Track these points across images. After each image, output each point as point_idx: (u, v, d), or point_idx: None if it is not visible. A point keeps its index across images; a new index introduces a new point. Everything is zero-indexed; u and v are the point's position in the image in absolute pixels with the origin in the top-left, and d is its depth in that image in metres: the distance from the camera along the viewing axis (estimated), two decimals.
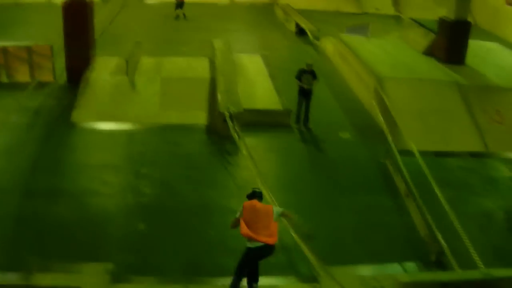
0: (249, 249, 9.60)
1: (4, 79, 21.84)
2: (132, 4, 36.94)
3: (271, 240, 9.54)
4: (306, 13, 32.76)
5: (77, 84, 20.00)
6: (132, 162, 15.48)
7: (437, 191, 13.49)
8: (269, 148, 16.68)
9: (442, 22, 23.45)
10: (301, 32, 30.05)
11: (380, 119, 18.09)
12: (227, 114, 16.20)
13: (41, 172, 15.13)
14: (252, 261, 9.85)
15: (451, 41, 22.91)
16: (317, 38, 28.26)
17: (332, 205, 13.89)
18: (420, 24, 26.48)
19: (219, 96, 17.27)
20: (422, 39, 24.87)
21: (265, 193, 12.66)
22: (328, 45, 26.74)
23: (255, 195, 10.01)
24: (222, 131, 16.54)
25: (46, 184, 14.49)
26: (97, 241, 12.09)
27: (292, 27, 31.06)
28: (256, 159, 14.68)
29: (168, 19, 32.55)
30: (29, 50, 21.79)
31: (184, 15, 32.38)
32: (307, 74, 17.67)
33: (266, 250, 9.60)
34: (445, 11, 23.68)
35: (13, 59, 21.86)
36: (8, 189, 14.15)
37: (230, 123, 15.91)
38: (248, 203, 9.77)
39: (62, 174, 15.01)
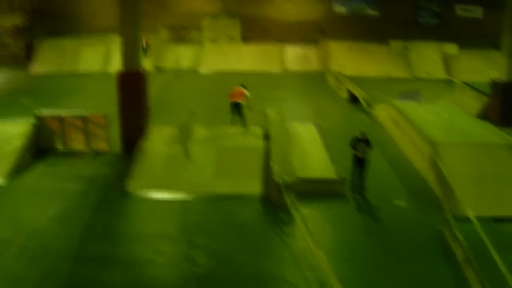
0: None
1: (60, 147, 22.18)
2: (187, 74, 37.47)
3: None
4: (357, 80, 32.69)
5: (131, 153, 20.22)
6: (186, 232, 15.36)
7: (496, 257, 13.03)
8: (324, 218, 16.38)
9: (495, 84, 23.15)
10: (353, 99, 29.95)
11: (435, 185, 17.70)
12: (281, 183, 16.03)
13: (95, 239, 15.14)
14: None
15: (505, 103, 22.54)
16: (370, 105, 28.11)
17: (389, 273, 13.48)
18: (473, 87, 26.16)
19: (273, 165, 17.14)
20: (475, 103, 24.62)
21: (320, 262, 12.42)
22: (381, 112, 26.57)
23: None
24: (276, 200, 16.36)
25: (99, 252, 14.47)
26: None
27: (344, 94, 31.02)
28: (312, 229, 14.39)
29: (222, 89, 32.74)
30: (84, 119, 22.16)
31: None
32: (361, 143, 17.47)
33: None
34: (497, 73, 23.37)
35: (69, 127, 22.25)
36: (61, 255, 14.20)
37: (284, 193, 15.72)
38: None
39: (115, 242, 14.99)
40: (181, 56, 39.24)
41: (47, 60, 41.49)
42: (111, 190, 18.42)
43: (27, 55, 43.03)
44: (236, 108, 23.35)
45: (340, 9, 41.94)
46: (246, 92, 23.72)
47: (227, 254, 14.14)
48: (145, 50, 38.45)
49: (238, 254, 14.02)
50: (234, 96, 23.70)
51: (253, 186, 17.52)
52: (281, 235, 15.08)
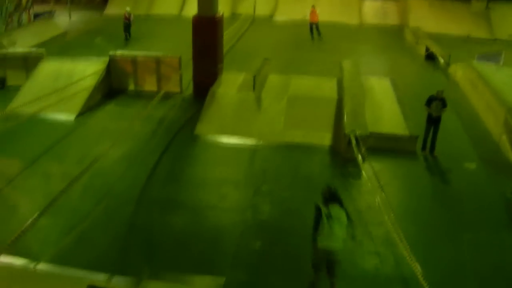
0: None
1: (132, 88, 22.47)
2: (261, 21, 37.23)
3: None
4: (436, 37, 31.86)
5: (203, 98, 20.18)
6: (252, 179, 15.34)
7: None
8: (392, 174, 16.07)
9: None
10: (430, 57, 29.23)
11: (508, 151, 17.26)
12: (352, 136, 15.83)
13: (160, 181, 15.31)
14: None
15: None
16: (447, 64, 27.41)
17: (454, 240, 13.02)
18: None
19: (345, 118, 16.93)
20: None
21: (386, 219, 12.29)
22: (458, 72, 25.83)
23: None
24: (346, 153, 16.17)
25: (163, 194, 14.65)
26: (210, 255, 12.00)
27: (422, 51, 30.29)
28: (379, 185, 14.23)
29: (297, 38, 32.47)
30: (157, 60, 22.35)
31: (318, 32, 32.25)
32: (437, 101, 16.97)
33: None
34: None
35: (142, 68, 22.51)
36: (125, 195, 14.48)
37: (355, 146, 15.56)
38: None
39: (180, 185, 15.12)
40: (257, 3, 38.91)
41: (123, 2, 41.85)
42: (180, 133, 18.57)
43: None
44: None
45: None
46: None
47: (291, 204, 14.06)
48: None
49: (303, 204, 13.87)
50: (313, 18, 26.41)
51: (323, 137, 17.35)
52: (348, 188, 14.90)
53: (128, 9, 32.63)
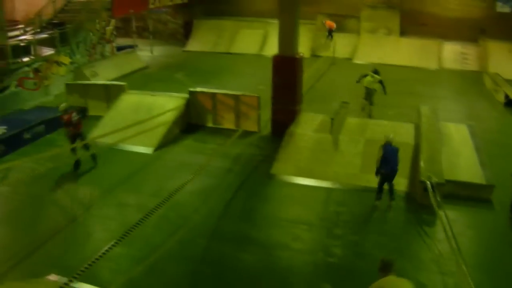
0: None
1: (210, 124, 23.06)
2: (341, 63, 37.53)
3: None
4: None
5: (280, 137, 20.57)
6: (326, 221, 15.52)
7: None
8: (467, 223, 15.89)
9: None
10: (510, 103, 28.85)
11: None
12: (428, 183, 15.88)
13: (234, 218, 15.69)
14: None
15: None
16: None
17: None
18: None
19: (421, 164, 17.00)
20: None
21: (458, 269, 12.26)
22: None
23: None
24: (421, 199, 16.20)
25: (236, 231, 14.99)
26: None
27: (501, 98, 29.90)
28: (454, 233, 14.18)
29: None
30: (236, 98, 22.86)
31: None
32: None
33: None
34: None
35: (221, 106, 23.10)
36: (199, 229, 14.90)
37: (430, 193, 15.58)
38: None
39: (254, 223, 15.44)
40: (337, 45, 39.29)
41: (204, 39, 43.06)
42: (256, 171, 18.98)
43: (185, 32, 44.85)
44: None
45: (503, 8, 40.16)
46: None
47: (363, 248, 14.16)
48: (330, 34, 39.69)
49: (375, 249, 14.00)
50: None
51: (399, 183, 17.41)
52: (422, 235, 14.90)
53: None
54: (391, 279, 9.08)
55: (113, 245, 12.40)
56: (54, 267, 12.59)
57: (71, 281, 9.86)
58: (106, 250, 12.21)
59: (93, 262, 11.21)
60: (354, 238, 14.67)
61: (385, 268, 9.26)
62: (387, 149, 16.05)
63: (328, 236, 14.71)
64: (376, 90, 24.44)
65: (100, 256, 11.81)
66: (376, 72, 25.00)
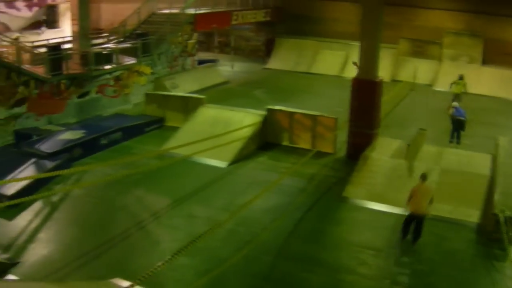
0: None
1: (286, 143, 23.15)
2: (421, 89, 37.06)
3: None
4: None
5: (355, 160, 20.48)
6: (394, 248, 15.37)
7: None
8: None
9: None
10: None
11: None
12: (501, 216, 15.52)
13: (302, 238, 15.72)
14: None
15: None
16: None
17: None
18: None
19: (495, 196, 16.64)
20: None
21: None
22: None
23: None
24: (493, 233, 15.84)
25: (303, 250, 15.02)
26: None
27: None
28: None
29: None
30: (314, 119, 22.89)
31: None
32: None
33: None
34: None
35: (298, 125, 23.18)
36: (266, 246, 14.98)
37: (503, 226, 15.22)
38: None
39: (321, 244, 15.45)
40: (417, 70, 38.85)
41: (285, 57, 43.29)
42: (328, 192, 18.95)
43: (267, 50, 45.20)
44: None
45: None
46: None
47: (431, 278, 13.94)
48: None
49: (443, 280, 13.79)
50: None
51: (471, 214, 17.08)
52: (491, 270, 14.57)
53: None
54: (424, 185, 15.63)
55: (179, 255, 12.54)
56: (119, 271, 12.85)
57: (133, 285, 9.99)
58: (171, 259, 12.36)
59: (157, 269, 11.35)
60: (422, 267, 14.46)
61: (423, 178, 15.79)
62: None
63: (395, 263, 14.57)
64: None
65: (164, 265, 11.95)
66: (461, 78, 28.22)
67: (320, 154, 21.89)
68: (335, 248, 15.46)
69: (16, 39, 28.19)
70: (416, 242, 15.38)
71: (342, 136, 22.57)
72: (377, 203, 18.04)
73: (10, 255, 14.09)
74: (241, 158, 21.53)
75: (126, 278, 11.23)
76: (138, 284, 10.19)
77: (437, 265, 14.62)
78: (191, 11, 35.84)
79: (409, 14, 41.82)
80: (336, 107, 25.70)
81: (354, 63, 21.98)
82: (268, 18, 44.09)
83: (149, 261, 13.45)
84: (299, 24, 44.63)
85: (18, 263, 13.77)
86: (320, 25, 44.18)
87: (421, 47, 40.70)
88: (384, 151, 21.07)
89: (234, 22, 39.97)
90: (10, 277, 13.01)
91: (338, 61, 41.51)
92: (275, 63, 43.45)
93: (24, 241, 15.02)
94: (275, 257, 14.53)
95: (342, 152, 22.51)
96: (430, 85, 38.40)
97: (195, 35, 37.05)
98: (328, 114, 23.18)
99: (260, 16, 43.60)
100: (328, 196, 18.70)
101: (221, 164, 20.94)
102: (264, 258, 14.41)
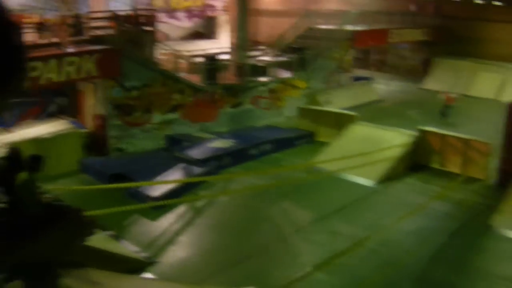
0: None
1: (435, 165, 22.65)
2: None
3: None
4: None
5: (506, 188, 19.75)
6: None
7: None
8: None
9: None
10: None
11: None
12: None
13: (443, 265, 15.27)
14: None
15: None
16: None
17: None
18: None
19: None
20: None
21: None
22: None
23: None
24: None
25: (444, 279, 14.55)
26: None
27: None
28: None
29: None
30: (466, 142, 22.25)
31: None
32: None
33: None
34: None
35: (449, 147, 22.61)
36: (407, 271, 14.75)
37: None
38: None
39: (462, 273, 14.97)
40: None
41: (441, 78, 42.33)
42: (475, 220, 18.34)
43: (423, 70, 44.45)
44: None
45: None
46: None
47: None
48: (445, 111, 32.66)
49: None
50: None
51: None
52: None
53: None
54: None
55: (317, 271, 12.58)
56: (254, 281, 13.05)
57: None
58: (310, 274, 12.41)
59: (293, 282, 11.42)
60: None
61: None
62: None
63: None
64: None
65: (301, 279, 12.02)
66: None
67: (470, 180, 21.31)
68: (475, 277, 14.91)
69: (174, 48, 29.25)
70: None
71: (493, 162, 21.81)
72: None
73: (149, 254, 14.65)
74: (389, 178, 21.26)
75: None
76: None
77: None
78: (349, 27, 35.86)
79: None
80: (490, 131, 24.87)
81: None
82: (426, 38, 43.40)
83: (286, 274, 13.57)
84: (458, 44, 43.59)
85: (155, 262, 14.29)
86: (479, 47, 42.99)
87: None
88: None
89: (391, 40, 39.65)
90: (147, 275, 13.52)
91: (495, 84, 40.21)
92: (431, 83, 42.57)
93: (165, 242, 15.60)
94: (414, 282, 14.25)
95: (493, 178, 21.74)
96: None
97: (352, 51, 37.05)
98: (482, 138, 22.45)
99: (418, 35, 43.04)
100: (475, 223, 18.10)
101: (368, 182, 20.80)
102: (403, 282, 14.18)
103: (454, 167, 22.53)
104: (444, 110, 31.66)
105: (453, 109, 31.02)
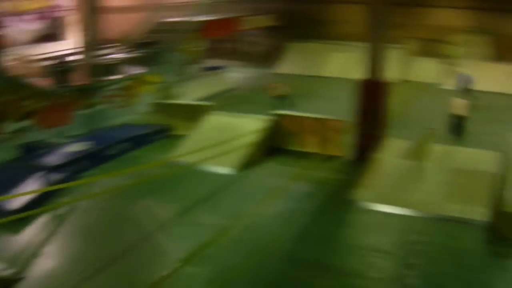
0: None
1: (293, 148, 23.05)
2: (429, 88, 36.87)
3: None
4: None
5: (363, 162, 20.40)
6: (402, 250, 15.15)
7: None
8: None
9: None
10: None
11: None
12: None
13: (310, 243, 15.52)
14: None
15: None
16: None
17: None
18: None
19: (505, 194, 16.47)
20: None
21: None
22: None
23: None
24: (503, 231, 15.67)
25: (312, 257, 14.80)
26: None
27: None
28: None
29: None
30: (322, 122, 22.75)
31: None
32: None
33: None
34: None
35: (306, 129, 23.04)
36: (274, 253, 14.80)
37: None
38: None
39: (330, 250, 15.27)
40: (426, 70, 38.66)
41: (293, 61, 43.26)
42: (336, 196, 18.77)
43: (276, 55, 45.18)
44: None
45: None
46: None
47: (440, 279, 13.74)
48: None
49: (453, 281, 13.64)
50: None
51: (481, 213, 16.90)
52: (502, 268, 14.41)
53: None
54: None
55: (185, 264, 12.49)
56: (125, 283, 12.84)
57: None
58: (178, 269, 12.31)
59: (162, 279, 11.31)
60: (432, 268, 14.25)
61: None
62: None
63: (403, 265, 14.36)
64: None
65: (171, 274, 11.92)
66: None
67: (328, 158, 21.84)
68: (344, 252, 15.29)
69: (22, 53, 28.30)
70: None
71: (350, 138, 22.43)
72: (385, 205, 17.85)
73: (15, 270, 14.09)
74: (248, 164, 21.41)
75: None
76: None
77: (447, 266, 14.40)
78: (198, 18, 35.83)
79: (416, 13, 41.69)
80: (343, 109, 25.55)
81: None
82: (276, 23, 44.09)
83: (155, 272, 13.41)
84: (309, 27, 44.58)
85: (22, 278, 13.77)
86: (329, 28, 44.18)
87: (430, 46, 40.51)
88: (392, 153, 20.83)
89: (241, 28, 39.97)
90: None
91: (346, 63, 41.38)
92: (284, 67, 43.38)
93: (30, 255, 15.01)
94: (283, 264, 14.34)
95: (350, 154, 22.36)
96: (439, 84, 38.15)
97: (203, 42, 37.07)
98: (335, 117, 23.04)
99: (268, 21, 43.70)
100: (336, 199, 18.52)
101: (228, 171, 20.86)
102: (273, 265, 14.21)
103: (312, 147, 22.95)
104: (279, 101, 30.53)
105: (288, 98, 31.12)
